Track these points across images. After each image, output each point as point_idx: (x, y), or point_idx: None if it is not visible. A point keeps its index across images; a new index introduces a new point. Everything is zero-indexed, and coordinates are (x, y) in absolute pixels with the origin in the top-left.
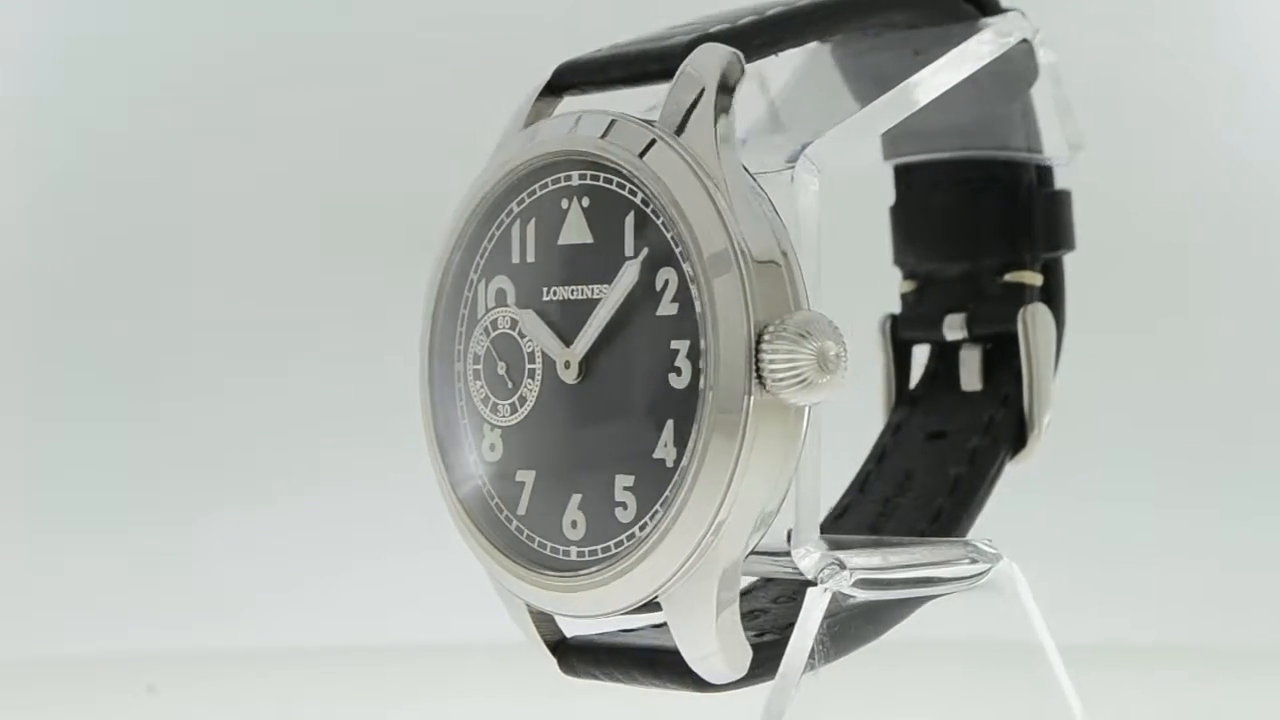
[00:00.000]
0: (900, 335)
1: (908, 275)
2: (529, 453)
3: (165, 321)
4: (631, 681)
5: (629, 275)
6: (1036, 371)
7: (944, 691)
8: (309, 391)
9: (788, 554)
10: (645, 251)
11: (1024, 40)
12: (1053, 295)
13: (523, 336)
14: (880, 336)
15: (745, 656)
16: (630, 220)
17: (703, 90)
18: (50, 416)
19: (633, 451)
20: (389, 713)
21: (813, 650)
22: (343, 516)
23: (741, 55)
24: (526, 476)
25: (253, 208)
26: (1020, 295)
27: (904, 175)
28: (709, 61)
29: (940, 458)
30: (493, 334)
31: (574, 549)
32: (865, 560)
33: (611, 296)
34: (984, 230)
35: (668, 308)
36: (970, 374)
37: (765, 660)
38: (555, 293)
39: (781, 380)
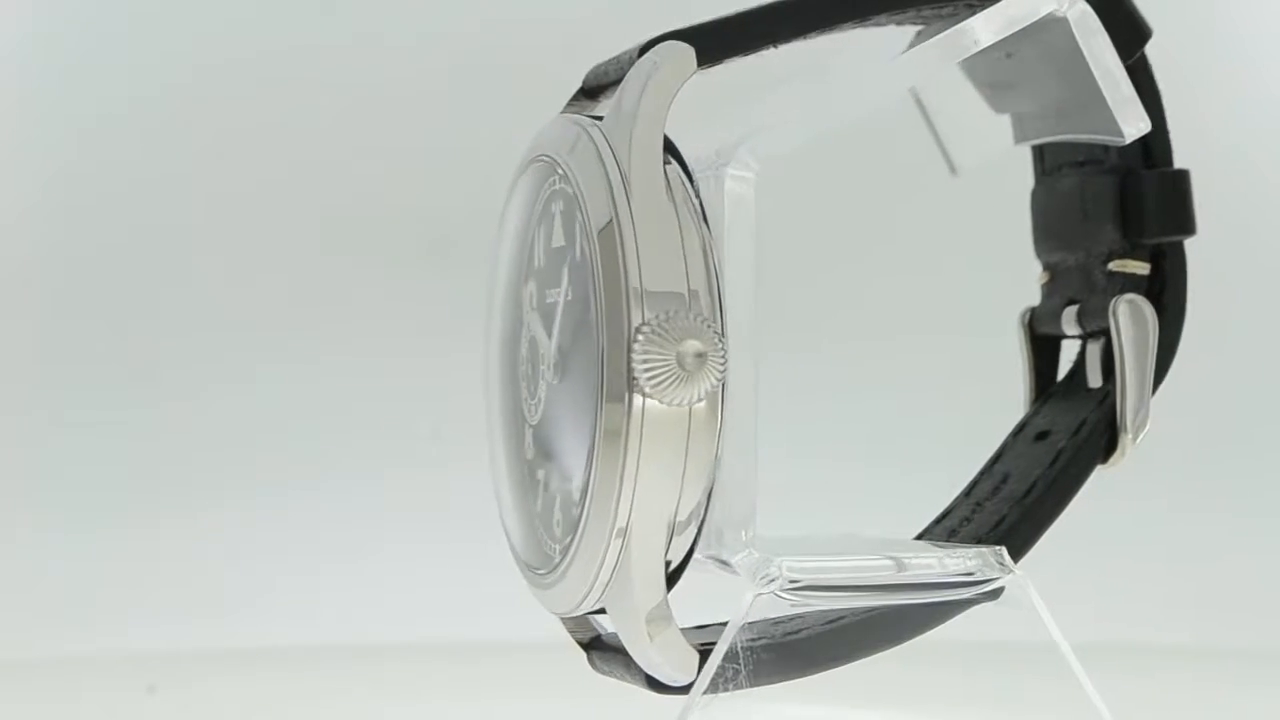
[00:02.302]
0: (1036, 329)
1: (1044, 266)
2: (540, 452)
3: (164, 322)
4: (622, 680)
5: (565, 278)
6: (1127, 369)
7: (952, 696)
8: (309, 391)
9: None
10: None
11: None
12: (1165, 285)
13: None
14: (1019, 331)
15: (691, 661)
16: (579, 222)
17: (626, 87)
18: (50, 416)
19: (582, 451)
20: (389, 712)
21: (736, 655)
22: (344, 516)
23: (689, 51)
24: (540, 475)
25: (254, 207)
26: (1126, 286)
27: (1038, 159)
28: (653, 60)
29: (1035, 460)
30: (527, 336)
31: (557, 547)
32: (810, 564)
33: (561, 299)
34: (1091, 216)
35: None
36: (1094, 371)
37: (766, 665)
38: (550, 295)
39: (650, 381)
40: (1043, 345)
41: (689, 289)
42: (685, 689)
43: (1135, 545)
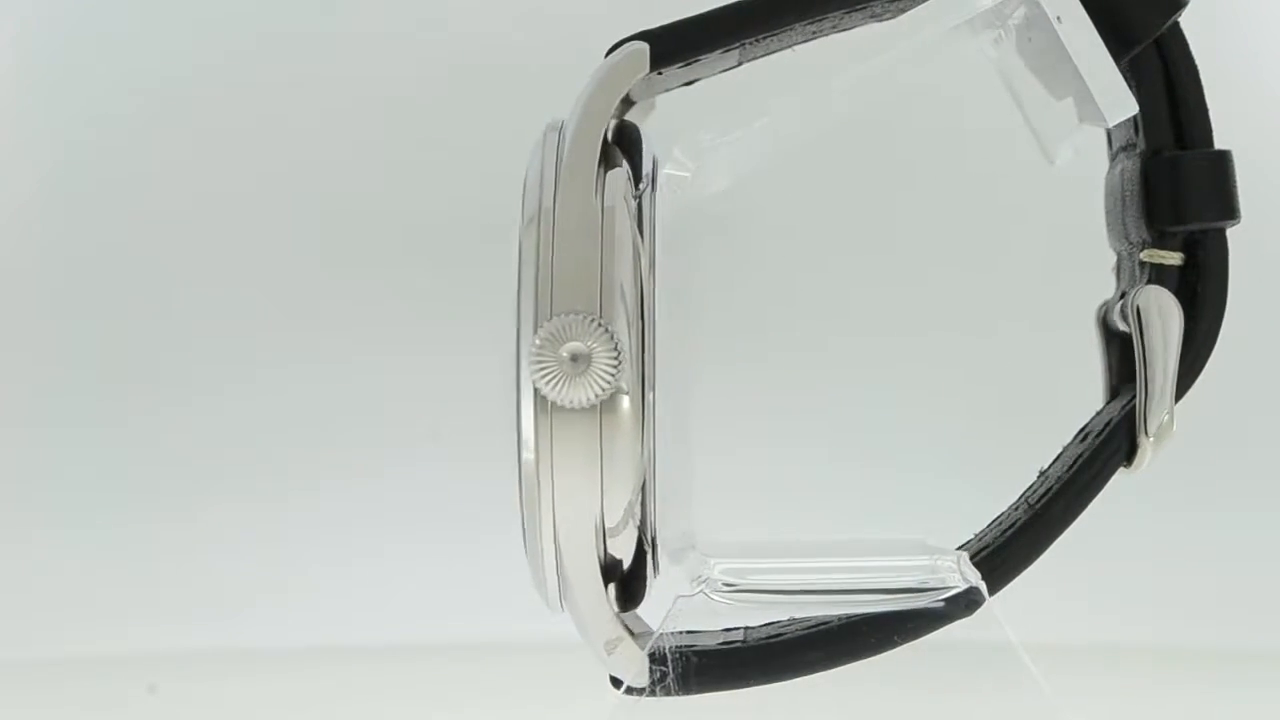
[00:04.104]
0: (1107, 323)
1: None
2: None
3: (164, 321)
4: None
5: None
6: (1144, 366)
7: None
8: (309, 391)
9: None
10: None
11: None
12: (1200, 276)
13: None
14: (1094, 325)
15: (639, 664)
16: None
17: (581, 90)
18: (50, 416)
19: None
20: (389, 713)
21: (664, 659)
22: (344, 516)
23: (642, 52)
24: None
25: (254, 207)
26: (1155, 277)
27: (1107, 142)
28: (606, 62)
29: (1068, 461)
30: None
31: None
32: (746, 566)
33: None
34: (1128, 202)
35: None
36: None
37: (701, 671)
38: None
39: (544, 382)
40: (1114, 339)
41: (603, 293)
42: (642, 690)
43: (1133, 545)
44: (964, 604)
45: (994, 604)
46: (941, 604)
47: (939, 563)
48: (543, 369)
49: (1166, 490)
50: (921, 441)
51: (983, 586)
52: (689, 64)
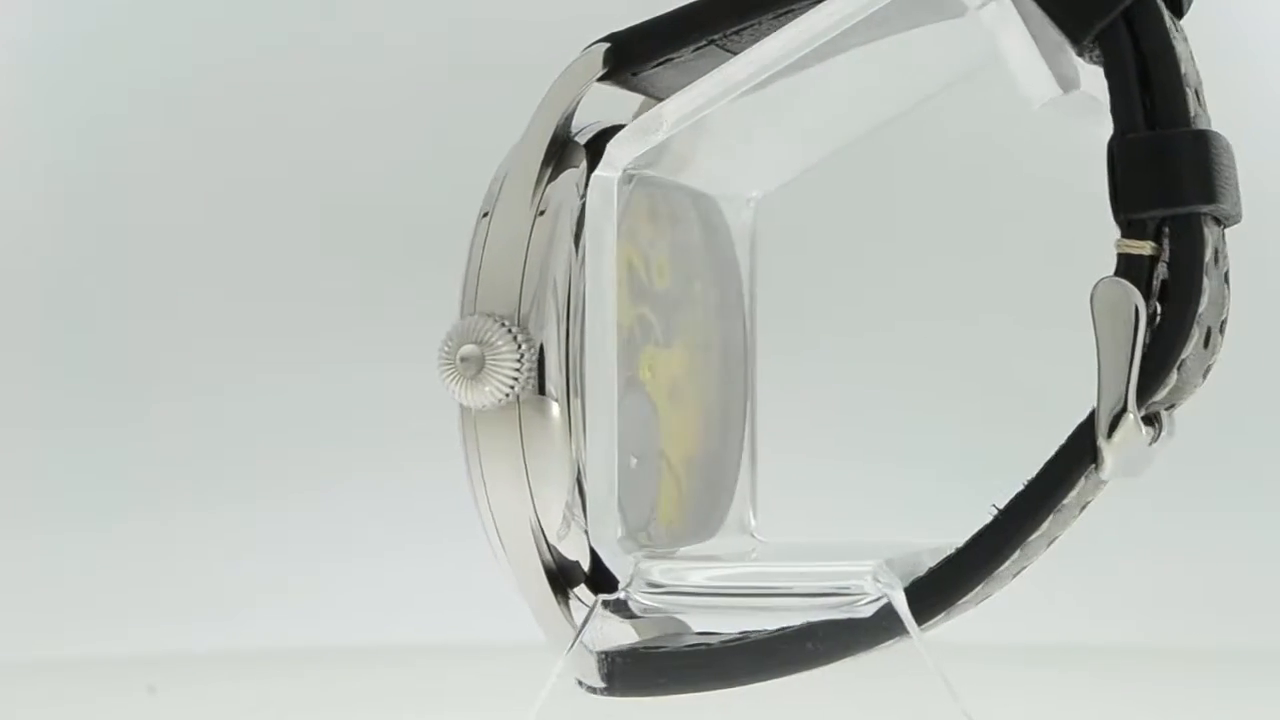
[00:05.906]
0: None
1: None
2: None
3: (165, 321)
4: None
5: None
6: (1102, 364)
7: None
8: (309, 392)
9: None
10: None
11: None
12: (1169, 266)
13: None
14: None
15: (589, 663)
16: None
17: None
18: (50, 417)
19: None
20: (388, 714)
21: (602, 662)
22: (343, 517)
23: (598, 54)
24: None
25: (256, 207)
26: (1121, 268)
27: None
28: (568, 65)
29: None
30: None
31: None
32: (677, 568)
33: None
34: (1110, 187)
35: None
36: None
37: (625, 673)
38: None
39: (449, 383)
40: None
41: (522, 294)
42: (613, 693)
43: (1129, 545)
44: (883, 621)
45: (906, 615)
46: (862, 616)
47: (854, 568)
48: (446, 370)
49: (1162, 490)
50: (938, 442)
51: (896, 596)
52: (662, 64)
